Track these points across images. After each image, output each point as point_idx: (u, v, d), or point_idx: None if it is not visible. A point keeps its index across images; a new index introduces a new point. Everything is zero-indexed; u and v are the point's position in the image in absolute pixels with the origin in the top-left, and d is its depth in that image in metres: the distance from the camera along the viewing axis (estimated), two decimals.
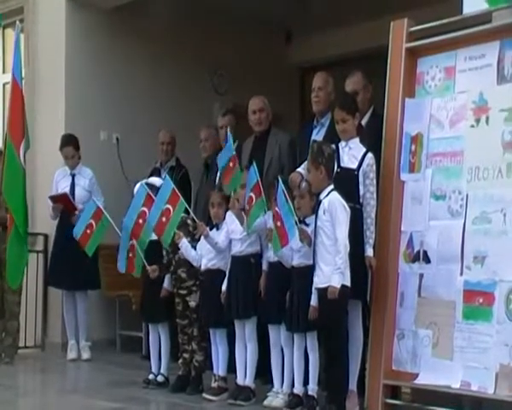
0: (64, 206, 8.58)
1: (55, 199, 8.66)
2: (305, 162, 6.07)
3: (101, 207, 7.27)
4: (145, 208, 6.75)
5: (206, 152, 8.39)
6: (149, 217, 6.64)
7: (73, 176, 8.80)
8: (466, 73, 5.87)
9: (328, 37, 10.60)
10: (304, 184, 5.97)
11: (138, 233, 6.84)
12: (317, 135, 6.87)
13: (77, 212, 8.41)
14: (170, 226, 6.53)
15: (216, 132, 8.34)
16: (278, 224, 5.84)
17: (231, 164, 6.41)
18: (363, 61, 8.81)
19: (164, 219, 6.51)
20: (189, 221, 6.88)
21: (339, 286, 5.48)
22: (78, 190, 8.73)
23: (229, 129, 6.86)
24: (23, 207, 8.35)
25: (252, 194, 6.09)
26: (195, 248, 6.74)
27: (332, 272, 5.51)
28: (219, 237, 6.56)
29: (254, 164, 6.22)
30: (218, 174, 7.33)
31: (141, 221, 6.79)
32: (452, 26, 5.97)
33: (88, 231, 7.16)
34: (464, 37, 5.87)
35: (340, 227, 5.56)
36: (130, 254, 6.97)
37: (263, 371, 6.63)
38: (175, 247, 6.85)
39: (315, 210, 5.82)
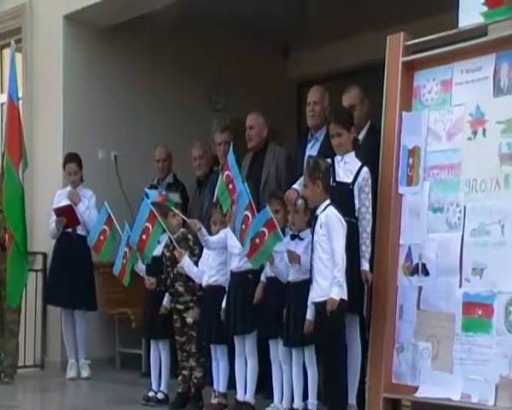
0: (68, 219, 8.55)
1: (60, 211, 8.63)
2: (301, 179, 6.07)
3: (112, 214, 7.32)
4: (148, 224, 6.80)
5: (201, 170, 8.26)
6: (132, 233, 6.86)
7: None
8: (462, 85, 5.87)
9: (325, 51, 10.61)
10: (300, 202, 5.96)
11: (142, 248, 6.89)
12: (311, 149, 6.87)
13: (80, 225, 8.47)
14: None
15: (210, 149, 8.33)
16: (257, 241, 5.87)
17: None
18: (360, 75, 8.85)
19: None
20: (189, 236, 6.88)
21: (338, 299, 5.47)
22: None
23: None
24: (22, 226, 8.37)
25: (247, 212, 6.04)
26: (196, 264, 6.74)
27: (331, 285, 5.50)
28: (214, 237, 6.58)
29: (246, 184, 6.18)
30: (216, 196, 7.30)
31: (144, 237, 6.84)
32: (448, 40, 5.98)
33: (101, 238, 7.29)
34: (460, 50, 5.88)
35: (338, 241, 5.55)
36: (124, 261, 7.06)
37: (263, 386, 6.61)
38: (173, 261, 6.85)
39: (310, 224, 5.82)
